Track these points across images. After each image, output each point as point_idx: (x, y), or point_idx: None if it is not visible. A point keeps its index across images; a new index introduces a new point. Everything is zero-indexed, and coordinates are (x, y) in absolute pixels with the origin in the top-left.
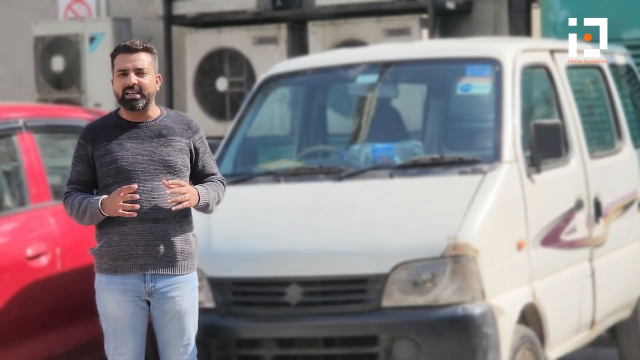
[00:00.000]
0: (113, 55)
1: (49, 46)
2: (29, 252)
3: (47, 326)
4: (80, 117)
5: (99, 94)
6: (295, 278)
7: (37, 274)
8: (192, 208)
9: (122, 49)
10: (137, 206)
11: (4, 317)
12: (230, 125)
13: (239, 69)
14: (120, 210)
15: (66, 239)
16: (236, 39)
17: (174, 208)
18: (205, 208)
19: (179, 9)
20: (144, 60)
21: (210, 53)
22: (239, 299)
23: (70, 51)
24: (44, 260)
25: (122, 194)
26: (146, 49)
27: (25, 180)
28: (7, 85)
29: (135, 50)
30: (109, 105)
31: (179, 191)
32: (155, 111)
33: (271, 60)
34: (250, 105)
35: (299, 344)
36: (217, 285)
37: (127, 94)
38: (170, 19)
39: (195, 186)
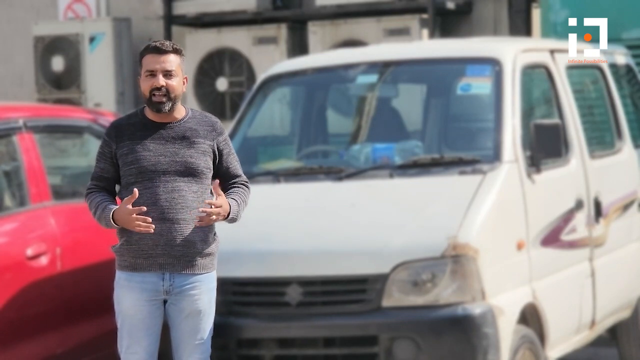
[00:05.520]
0: (142, 55)
1: (49, 46)
2: (29, 252)
3: (47, 326)
4: (80, 117)
5: (99, 94)
6: (296, 278)
7: (37, 274)
8: None
9: (152, 50)
10: (152, 226)
11: (4, 317)
12: (230, 125)
13: (239, 69)
14: (137, 229)
15: (66, 239)
16: (236, 39)
17: (197, 223)
18: (230, 221)
19: (179, 9)
20: (172, 62)
21: (210, 53)
22: (239, 299)
23: (70, 51)
24: (44, 260)
25: (133, 212)
26: (175, 51)
27: (25, 180)
28: (7, 85)
29: (165, 52)
30: (109, 105)
31: (214, 212)
32: (180, 112)
33: (271, 60)
34: (250, 105)
35: (299, 344)
36: (218, 285)
37: (154, 95)
38: (170, 19)
39: (230, 201)
